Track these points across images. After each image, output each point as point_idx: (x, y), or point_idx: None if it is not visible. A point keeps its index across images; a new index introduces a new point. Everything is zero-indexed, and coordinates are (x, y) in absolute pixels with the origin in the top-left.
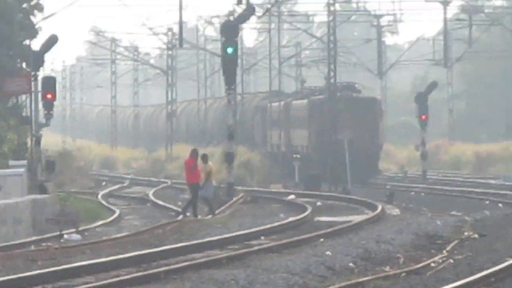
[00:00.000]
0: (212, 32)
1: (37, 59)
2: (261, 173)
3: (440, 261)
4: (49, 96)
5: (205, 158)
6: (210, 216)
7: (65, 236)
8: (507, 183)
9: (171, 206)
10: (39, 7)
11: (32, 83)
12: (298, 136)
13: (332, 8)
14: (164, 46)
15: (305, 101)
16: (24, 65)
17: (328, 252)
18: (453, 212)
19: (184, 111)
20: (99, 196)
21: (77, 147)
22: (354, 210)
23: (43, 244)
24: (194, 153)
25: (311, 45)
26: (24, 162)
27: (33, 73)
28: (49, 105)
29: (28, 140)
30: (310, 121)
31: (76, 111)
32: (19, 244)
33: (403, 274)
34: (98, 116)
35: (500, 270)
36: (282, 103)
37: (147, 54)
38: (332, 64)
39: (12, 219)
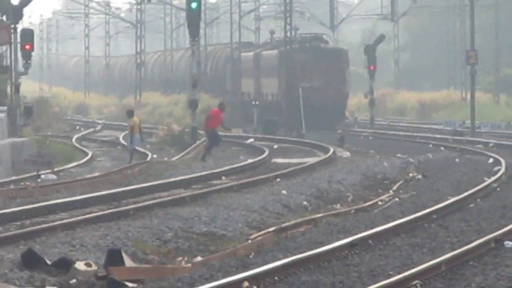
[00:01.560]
0: None
1: (16, 12)
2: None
3: (387, 199)
4: (27, 47)
5: (130, 113)
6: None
7: (42, 176)
8: (448, 128)
9: (139, 148)
10: None
11: (12, 35)
12: (268, 85)
13: None
14: (134, 1)
15: (275, 51)
16: (4, 18)
17: (284, 191)
18: (399, 155)
19: (157, 62)
20: (73, 140)
21: (53, 94)
22: (308, 153)
23: (22, 183)
24: (221, 105)
25: (268, 0)
26: (4, 108)
27: (12, 25)
28: (27, 55)
29: (8, 88)
30: (279, 70)
31: (52, 61)
32: None
33: (353, 211)
34: (75, 66)
35: (442, 207)
36: (252, 53)
37: (118, 8)
38: (288, 18)
39: None
